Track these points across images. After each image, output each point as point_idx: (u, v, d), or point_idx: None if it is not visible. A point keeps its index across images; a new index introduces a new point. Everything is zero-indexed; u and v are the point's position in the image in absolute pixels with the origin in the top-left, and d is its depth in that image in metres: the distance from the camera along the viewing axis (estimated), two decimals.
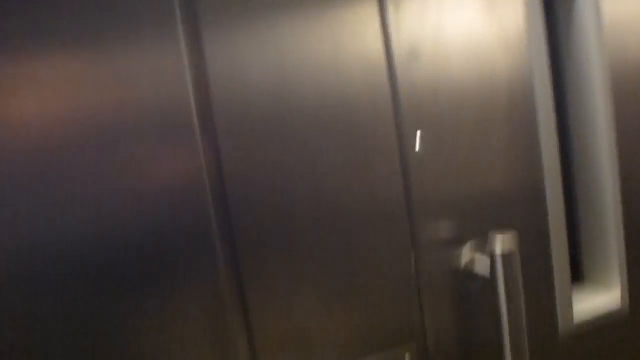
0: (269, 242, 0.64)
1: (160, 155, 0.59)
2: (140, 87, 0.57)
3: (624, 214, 0.89)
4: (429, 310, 0.75)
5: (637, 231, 0.91)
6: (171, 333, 0.60)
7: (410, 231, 0.72)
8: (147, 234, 0.58)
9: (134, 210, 0.58)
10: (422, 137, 0.72)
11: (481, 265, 0.74)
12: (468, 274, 0.76)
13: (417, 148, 0.71)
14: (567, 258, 0.83)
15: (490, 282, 0.70)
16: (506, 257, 0.67)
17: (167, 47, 0.58)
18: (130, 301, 0.58)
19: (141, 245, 0.58)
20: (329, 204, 0.67)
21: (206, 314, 0.62)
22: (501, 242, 0.68)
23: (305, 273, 0.66)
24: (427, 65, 0.71)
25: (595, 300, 0.89)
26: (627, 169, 0.89)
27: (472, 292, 0.77)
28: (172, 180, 0.59)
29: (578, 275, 0.96)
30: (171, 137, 0.59)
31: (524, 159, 0.79)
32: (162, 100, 0.58)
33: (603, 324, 0.88)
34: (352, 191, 0.68)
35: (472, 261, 0.75)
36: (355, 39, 0.67)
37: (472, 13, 0.73)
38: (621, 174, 0.88)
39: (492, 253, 0.68)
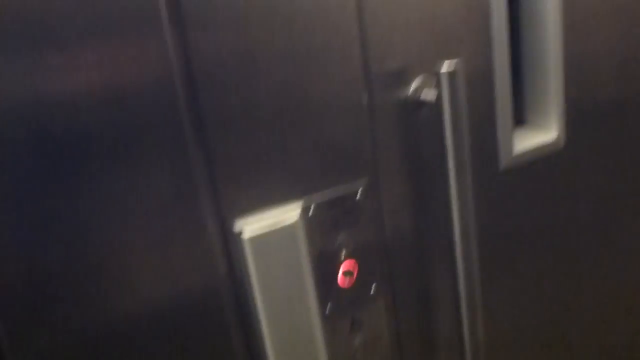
0: (228, 78, 0.63)
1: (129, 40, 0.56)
2: None
3: (564, 60, 0.92)
4: (380, 143, 0.77)
5: (576, 76, 0.95)
6: (133, 169, 0.60)
7: (362, 63, 0.72)
8: (118, 122, 0.58)
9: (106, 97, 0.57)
10: None
11: (429, 93, 0.76)
12: (417, 103, 0.78)
13: None
14: (510, 97, 0.86)
15: (436, 104, 0.72)
16: (451, 75, 0.69)
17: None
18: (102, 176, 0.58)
19: (111, 130, 0.57)
20: (283, 33, 0.65)
21: (170, 151, 0.61)
22: (447, 65, 0.70)
23: (261, 108, 0.66)
24: None
25: (535, 139, 0.93)
26: (571, 16, 0.91)
27: (421, 121, 0.79)
28: (141, 64, 0.58)
29: (522, 120, 1.00)
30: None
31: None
32: None
33: (540, 158, 0.94)
34: (307, 20, 0.67)
35: (420, 89, 0.77)
36: None
37: None
38: (565, 22, 0.90)
39: (438, 73, 0.69)
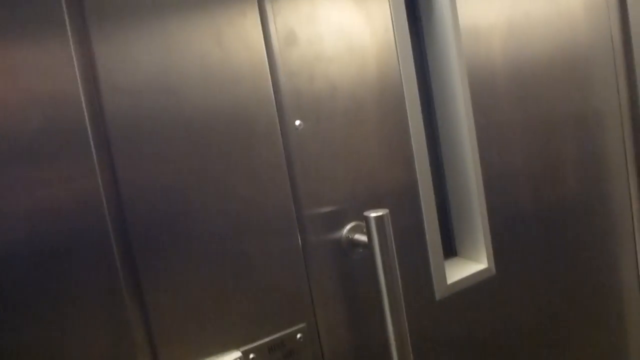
0: (162, 238, 0.66)
1: (58, 167, 0.61)
2: (29, 87, 0.59)
3: (487, 199, 1.01)
4: (316, 289, 0.80)
5: (499, 212, 1.03)
6: (71, 330, 0.61)
7: (296, 213, 0.78)
8: (44, 241, 0.60)
9: (32, 218, 0.59)
10: (301, 124, 0.78)
11: (361, 236, 0.81)
12: (349, 248, 0.83)
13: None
14: (439, 234, 0.93)
15: (368, 245, 0.77)
16: (379, 219, 0.75)
17: (55, 50, 0.60)
18: (31, 307, 0.59)
19: (40, 253, 0.59)
20: (218, 193, 0.70)
21: (105, 311, 0.63)
22: (375, 212, 0.76)
23: (198, 262, 0.69)
24: (304, 51, 0.78)
25: (467, 268, 0.99)
26: (488, 161, 1.01)
27: (354, 266, 0.84)
28: (67, 184, 0.61)
29: (452, 252, 1.07)
30: (65, 146, 0.61)
31: (396, 143, 0.88)
32: (53, 105, 0.60)
33: (474, 287, 0.99)
34: (238, 178, 0.72)
35: (352, 233, 0.82)
36: (236, 28, 0.72)
37: (343, 5, 0.82)
38: (483, 163, 1.00)
39: (367, 218, 0.75)
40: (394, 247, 0.76)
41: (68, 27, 0.61)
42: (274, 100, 0.75)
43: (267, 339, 0.74)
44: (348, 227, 0.82)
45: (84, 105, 0.62)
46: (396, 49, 0.88)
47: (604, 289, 1.22)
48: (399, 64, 0.88)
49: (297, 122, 0.78)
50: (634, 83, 1.26)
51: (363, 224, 0.83)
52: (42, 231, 0.59)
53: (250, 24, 0.73)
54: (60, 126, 0.61)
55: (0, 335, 0.57)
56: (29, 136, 0.59)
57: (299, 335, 0.77)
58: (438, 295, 0.93)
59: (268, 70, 0.75)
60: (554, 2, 1.11)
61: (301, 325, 0.78)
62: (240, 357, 0.71)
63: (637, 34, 1.24)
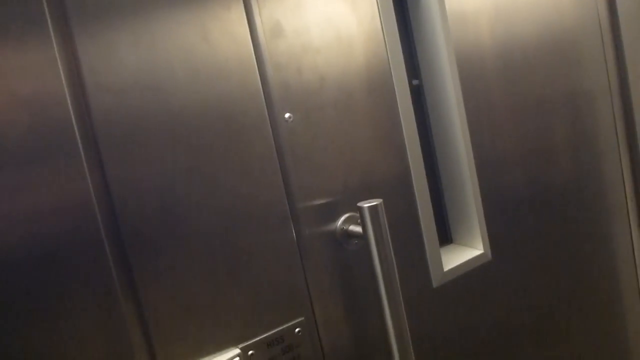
0: (155, 236, 0.66)
1: (47, 168, 0.60)
2: (16, 92, 0.58)
3: (481, 185, 1.01)
4: (313, 283, 0.79)
5: (493, 197, 1.03)
6: (68, 333, 0.60)
7: (289, 206, 0.77)
8: (38, 245, 0.59)
9: (25, 223, 0.58)
10: (290, 117, 0.78)
11: (354, 228, 0.81)
12: (344, 240, 0.82)
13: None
14: (433, 222, 0.92)
15: (363, 235, 0.77)
16: (373, 209, 0.74)
17: (39, 51, 0.59)
18: (26, 310, 0.58)
19: (33, 257, 0.58)
20: (209, 189, 0.70)
21: (101, 312, 0.62)
22: (368, 202, 0.76)
23: (192, 259, 0.68)
24: (291, 43, 0.77)
25: (463, 255, 0.99)
26: (480, 146, 1.01)
27: (350, 257, 0.83)
28: (58, 187, 0.60)
29: (448, 239, 1.07)
30: (53, 147, 0.60)
31: (387, 132, 0.88)
32: (40, 109, 0.59)
33: (470, 273, 0.99)
34: (230, 173, 0.72)
35: (347, 224, 0.82)
36: (221, 22, 0.71)
37: None
38: (475, 148, 1.00)
39: (362, 208, 0.75)
40: (388, 236, 0.76)
41: (50, 27, 0.60)
42: (262, 94, 0.74)
43: (265, 335, 0.74)
44: (342, 218, 0.82)
45: (70, 105, 0.61)
46: (384, 36, 0.87)
47: (599, 271, 1.23)
48: (387, 52, 0.87)
49: (287, 115, 0.77)
50: (622, 62, 1.26)
51: (357, 214, 0.83)
52: (33, 234, 0.59)
53: (236, 17, 0.72)
54: (47, 128, 0.60)
55: None
56: (16, 139, 0.58)
57: (297, 330, 0.76)
58: (435, 282, 0.93)
59: (255, 63, 0.74)
60: None
61: (299, 320, 0.77)
62: (239, 354, 0.71)
63: (623, 12, 1.24)
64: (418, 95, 1.01)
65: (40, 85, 0.59)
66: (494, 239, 1.02)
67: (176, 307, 0.67)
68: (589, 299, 1.21)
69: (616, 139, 1.26)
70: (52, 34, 0.60)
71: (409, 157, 0.89)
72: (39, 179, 0.59)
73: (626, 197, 1.29)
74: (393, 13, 0.88)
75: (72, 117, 0.61)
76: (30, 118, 0.59)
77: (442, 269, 0.93)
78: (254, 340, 0.73)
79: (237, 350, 0.71)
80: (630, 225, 1.30)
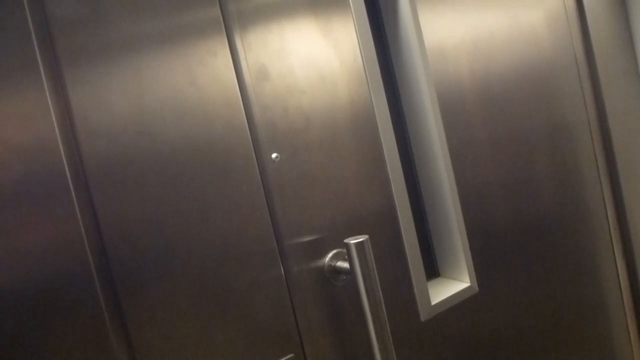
0: (145, 276, 0.67)
1: (39, 213, 0.61)
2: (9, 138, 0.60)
3: (466, 218, 1.03)
4: (302, 319, 0.80)
5: (478, 229, 1.05)
6: None
7: (277, 244, 0.78)
8: (31, 287, 0.60)
9: (18, 264, 0.59)
10: (277, 156, 0.80)
11: (342, 264, 0.82)
12: (332, 276, 0.84)
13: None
14: (420, 256, 0.94)
15: (350, 271, 0.78)
16: (359, 245, 0.76)
17: (31, 98, 0.61)
18: (18, 350, 0.59)
19: (25, 297, 0.59)
20: (199, 228, 0.71)
21: (91, 350, 0.63)
22: (355, 238, 0.77)
23: (182, 297, 0.69)
24: (276, 85, 0.80)
25: (451, 289, 1.00)
26: (464, 180, 1.03)
27: (338, 293, 0.85)
28: (51, 229, 0.61)
29: (435, 272, 1.08)
30: (45, 191, 0.61)
31: (372, 169, 0.90)
32: (32, 152, 0.61)
33: (458, 306, 1.00)
34: (218, 212, 0.73)
35: (335, 260, 0.83)
36: (208, 67, 0.74)
37: (311, 38, 0.84)
38: (458, 182, 1.02)
39: (348, 244, 0.76)
40: (375, 271, 0.77)
41: (42, 74, 0.62)
42: (249, 135, 0.77)
43: None
44: (330, 254, 0.83)
45: (62, 150, 0.63)
46: (366, 76, 0.90)
47: (585, 298, 1.25)
48: (370, 91, 0.90)
49: (274, 155, 0.79)
50: (599, 93, 1.30)
51: (344, 250, 0.84)
52: (26, 274, 0.59)
53: (222, 62, 0.75)
54: (40, 172, 0.61)
55: None
56: (9, 182, 0.59)
57: None
58: (423, 316, 0.94)
59: (242, 105, 0.76)
60: (516, 20, 1.15)
61: (289, 356, 0.78)
62: None
63: (598, 47, 1.28)
64: (401, 131, 1.04)
65: (33, 131, 0.61)
66: (481, 271, 1.04)
67: (166, 345, 0.68)
68: (576, 327, 1.22)
69: (597, 169, 1.29)
70: (44, 80, 0.63)
71: (393, 193, 0.91)
72: (31, 222, 0.60)
73: (609, 226, 1.31)
74: (374, 53, 0.91)
75: (64, 161, 0.63)
76: (23, 163, 0.60)
77: (430, 302, 0.95)
78: None
79: None
80: (614, 253, 1.32)
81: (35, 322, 0.60)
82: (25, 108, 0.61)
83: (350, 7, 0.89)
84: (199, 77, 0.73)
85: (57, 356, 0.61)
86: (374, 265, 0.77)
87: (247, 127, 0.77)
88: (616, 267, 1.32)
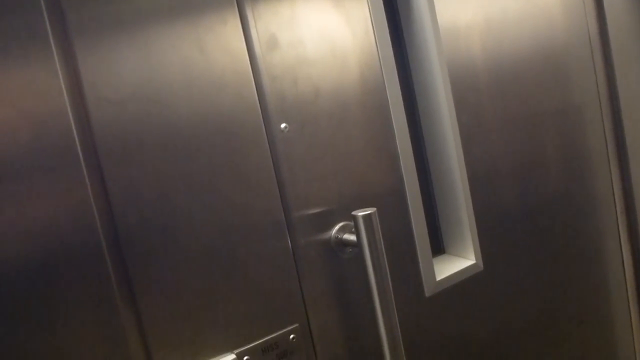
0: (153, 245, 0.67)
1: (48, 180, 0.61)
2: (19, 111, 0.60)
3: (473, 196, 1.02)
4: (307, 290, 0.80)
5: (485, 208, 1.05)
6: (67, 340, 0.61)
7: (285, 215, 0.78)
8: (40, 255, 0.60)
9: (26, 233, 0.60)
10: (286, 127, 0.79)
11: (349, 237, 0.82)
12: (339, 248, 0.84)
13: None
14: (426, 232, 0.94)
15: (357, 243, 0.78)
16: (367, 218, 0.76)
17: (41, 65, 0.61)
18: (27, 318, 0.59)
19: (34, 266, 0.60)
20: (206, 197, 0.71)
21: (99, 319, 0.63)
22: (362, 211, 0.77)
23: (189, 267, 0.70)
24: (286, 55, 0.79)
25: (456, 265, 1.00)
26: (473, 158, 1.03)
27: (344, 265, 0.85)
28: (60, 198, 0.61)
29: (440, 249, 1.08)
30: (55, 158, 0.61)
31: (381, 144, 0.89)
32: (43, 123, 0.61)
33: (463, 283, 1.00)
34: (226, 183, 0.73)
35: (342, 232, 0.83)
36: (218, 35, 0.73)
37: (322, 8, 0.83)
38: (467, 160, 1.02)
39: (356, 217, 0.76)
40: (382, 244, 0.77)
41: (52, 42, 0.62)
42: (258, 105, 0.76)
43: (260, 341, 0.75)
44: (337, 227, 0.83)
45: (71, 118, 0.63)
46: (377, 50, 0.89)
47: (590, 282, 1.25)
48: (381, 65, 0.89)
49: (283, 126, 0.79)
50: (612, 75, 1.29)
51: (351, 223, 0.84)
52: (34, 243, 0.60)
53: (232, 30, 0.74)
54: (49, 140, 0.61)
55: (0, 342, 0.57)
56: (18, 151, 0.59)
57: (292, 336, 0.77)
58: (427, 292, 0.94)
59: (251, 75, 0.76)
60: None
61: (294, 326, 0.78)
62: (234, 359, 0.71)
63: (613, 26, 1.27)
64: (412, 107, 1.03)
65: (43, 98, 0.61)
66: (486, 250, 1.04)
67: (173, 314, 0.68)
68: (580, 308, 1.22)
69: (606, 151, 1.28)
70: (53, 49, 0.62)
71: (402, 168, 0.91)
72: (40, 190, 0.60)
73: (616, 209, 1.31)
74: (386, 27, 0.90)
75: (73, 127, 0.63)
76: (33, 131, 0.60)
77: (435, 278, 0.95)
78: (249, 346, 0.74)
79: (232, 356, 0.72)
80: (619, 236, 1.31)
81: (43, 289, 0.60)
82: (34, 75, 0.61)
83: None
84: (208, 45, 0.72)
85: (65, 323, 0.61)
86: (381, 238, 0.77)
87: (257, 97, 0.76)
88: (621, 251, 1.32)
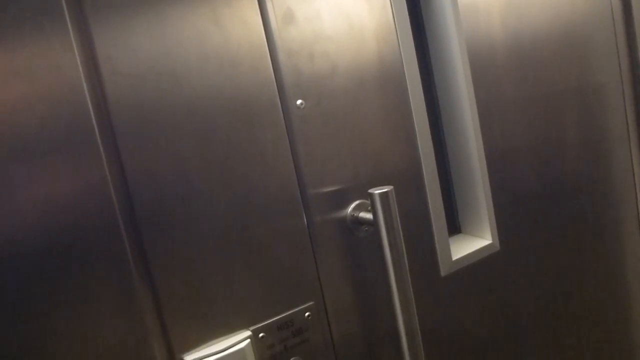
0: (170, 222, 0.67)
1: (64, 157, 0.61)
2: (35, 85, 0.59)
3: (490, 175, 1.01)
4: (323, 268, 0.80)
5: (502, 187, 1.03)
6: (85, 316, 0.62)
7: (300, 193, 0.78)
8: (57, 233, 0.60)
9: (43, 210, 0.59)
10: (302, 103, 0.78)
11: (365, 215, 0.82)
12: (355, 226, 0.83)
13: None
14: (443, 211, 0.93)
15: (373, 222, 0.77)
16: (383, 196, 0.75)
17: (56, 39, 0.60)
18: (44, 297, 0.59)
19: (52, 244, 0.60)
20: (222, 174, 0.70)
21: (117, 296, 0.63)
22: (379, 189, 0.76)
23: (205, 245, 0.69)
24: (302, 30, 0.78)
25: (472, 245, 0.99)
26: (490, 137, 1.01)
27: (360, 244, 0.84)
28: (76, 173, 0.61)
29: (457, 229, 1.07)
30: (71, 134, 0.61)
31: (398, 121, 0.88)
32: (59, 101, 0.60)
33: (479, 263, 0.99)
34: (242, 159, 0.72)
35: (358, 210, 0.82)
36: (233, 8, 0.72)
37: None
38: (485, 139, 1.00)
39: (372, 194, 0.75)
40: (399, 222, 0.76)
41: (67, 16, 0.61)
42: (274, 80, 0.75)
43: (276, 318, 0.75)
44: (353, 205, 0.82)
45: (86, 92, 0.62)
46: (395, 25, 0.87)
47: (608, 263, 1.23)
48: (399, 41, 0.87)
49: (299, 102, 0.77)
50: (634, 54, 1.26)
51: (368, 201, 0.83)
52: (51, 222, 0.60)
53: (247, 3, 0.73)
54: (64, 114, 0.61)
55: (18, 321, 0.58)
56: (34, 126, 0.59)
57: (307, 314, 0.77)
58: (443, 271, 0.93)
59: (267, 50, 0.75)
60: None
61: (309, 304, 0.78)
62: (250, 336, 0.71)
63: (637, 3, 1.23)
64: (429, 84, 1.01)
65: (58, 73, 0.60)
66: (503, 230, 1.03)
67: (190, 291, 0.68)
68: (597, 289, 1.21)
69: (627, 131, 1.26)
70: (68, 22, 0.61)
71: (419, 146, 0.90)
72: (57, 166, 0.60)
73: (636, 190, 1.28)
74: (404, 2, 0.88)
75: (89, 102, 0.62)
76: (48, 106, 0.60)
77: (451, 258, 0.94)
78: (264, 323, 0.74)
79: (248, 333, 0.72)
80: (639, 217, 1.29)
81: (59, 267, 0.60)
82: (49, 49, 0.60)
83: None
84: (224, 18, 0.71)
85: (82, 300, 0.61)
86: (398, 216, 0.76)
87: (272, 72, 0.75)
88: None
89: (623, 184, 1.26)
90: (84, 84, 0.62)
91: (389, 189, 0.75)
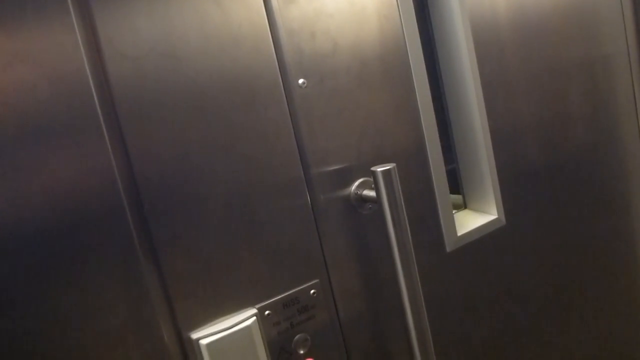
0: (174, 201, 0.67)
1: (67, 139, 0.61)
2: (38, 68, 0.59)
3: (495, 150, 1.01)
4: (327, 246, 0.81)
5: (507, 162, 1.03)
6: (92, 296, 0.63)
7: (304, 172, 0.78)
8: (62, 215, 0.61)
9: (48, 191, 0.60)
10: (304, 82, 0.78)
11: (368, 193, 0.82)
12: (358, 204, 0.83)
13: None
14: (447, 186, 0.93)
15: (377, 199, 0.78)
16: (386, 173, 0.75)
17: (58, 21, 0.60)
18: (51, 277, 0.60)
19: (57, 224, 0.60)
20: (225, 154, 0.71)
21: (124, 276, 0.64)
22: (382, 166, 0.76)
23: (210, 224, 0.70)
24: (304, 8, 0.77)
25: (477, 220, 1.00)
26: (495, 112, 1.01)
27: (364, 221, 0.85)
28: (80, 159, 0.62)
29: (461, 205, 1.07)
30: (73, 115, 0.61)
31: (402, 99, 0.88)
32: (63, 87, 0.60)
33: (484, 238, 0.99)
34: (244, 139, 0.72)
35: (361, 188, 0.83)
36: None
37: None
38: (489, 114, 0.99)
39: (375, 172, 0.76)
40: (402, 199, 0.76)
41: None
42: (276, 60, 0.75)
43: (281, 296, 0.76)
44: (356, 183, 0.83)
45: (88, 73, 0.62)
46: (397, 2, 0.86)
47: (616, 238, 1.23)
48: (400, 17, 0.87)
49: (301, 81, 0.77)
50: None
51: (371, 179, 0.83)
52: (55, 204, 0.60)
53: None
54: (67, 96, 0.61)
55: (25, 302, 0.59)
56: (37, 109, 0.59)
57: (312, 291, 0.78)
58: (449, 247, 0.94)
59: (268, 29, 0.74)
60: None
61: (314, 282, 0.79)
62: (256, 314, 0.73)
63: None
64: (432, 60, 1.00)
65: (59, 54, 0.60)
66: (508, 205, 1.03)
67: (195, 270, 0.69)
68: (603, 264, 1.21)
69: (634, 103, 1.25)
70: (70, 4, 0.61)
71: (422, 122, 0.90)
72: (60, 148, 0.61)
73: None
74: None
75: (91, 84, 0.62)
76: (51, 87, 0.60)
77: (456, 233, 0.94)
78: (270, 300, 0.75)
79: (254, 310, 0.73)
80: None
81: (65, 248, 0.61)
82: (51, 30, 0.60)
83: None
84: None
85: (89, 280, 0.62)
86: (401, 193, 0.77)
87: (274, 51, 0.75)
88: None
89: (631, 157, 1.25)
90: (86, 66, 0.62)
91: (391, 167, 0.75)
